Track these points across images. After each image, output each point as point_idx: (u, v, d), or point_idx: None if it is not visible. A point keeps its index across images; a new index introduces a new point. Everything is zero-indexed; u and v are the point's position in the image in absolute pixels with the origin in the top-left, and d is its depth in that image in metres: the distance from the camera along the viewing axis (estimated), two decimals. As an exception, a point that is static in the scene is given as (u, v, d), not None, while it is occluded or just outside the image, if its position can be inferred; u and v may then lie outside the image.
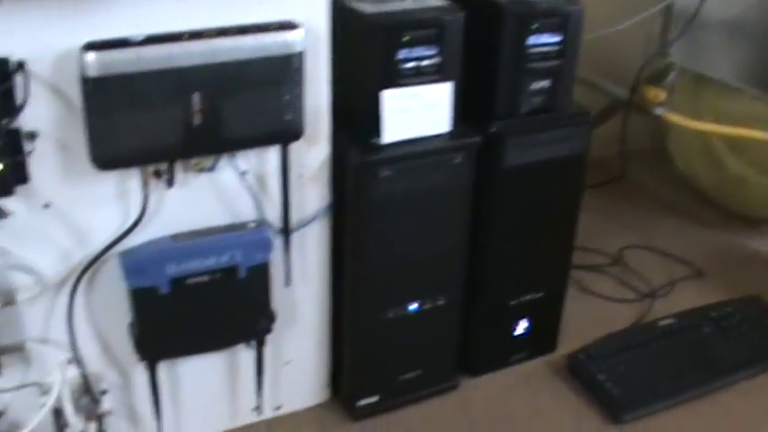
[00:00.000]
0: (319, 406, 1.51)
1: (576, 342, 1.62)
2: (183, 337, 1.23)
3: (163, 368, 1.29)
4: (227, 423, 1.42)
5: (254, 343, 1.33)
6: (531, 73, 1.32)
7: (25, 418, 1.23)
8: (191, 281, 1.17)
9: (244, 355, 1.37)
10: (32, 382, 1.23)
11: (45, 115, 1.08)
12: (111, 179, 1.17)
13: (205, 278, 1.18)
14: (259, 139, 1.17)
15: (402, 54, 1.20)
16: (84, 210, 1.17)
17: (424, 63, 1.22)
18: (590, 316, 1.70)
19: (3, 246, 1.09)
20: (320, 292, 1.38)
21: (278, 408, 1.43)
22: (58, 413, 1.20)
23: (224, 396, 1.39)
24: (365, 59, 1.22)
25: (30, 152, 1.06)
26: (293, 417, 1.47)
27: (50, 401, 1.18)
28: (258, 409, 1.39)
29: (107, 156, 1.11)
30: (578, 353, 1.56)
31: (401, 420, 1.48)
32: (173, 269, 1.16)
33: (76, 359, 1.21)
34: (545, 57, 1.32)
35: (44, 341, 1.21)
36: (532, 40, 1.31)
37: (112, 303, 1.22)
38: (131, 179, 1.17)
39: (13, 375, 1.21)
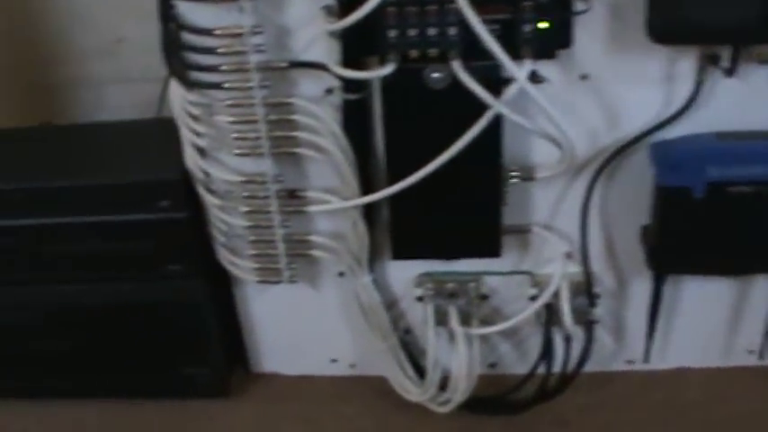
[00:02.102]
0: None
1: None
2: (704, 253, 1.23)
3: (667, 283, 1.27)
4: (717, 360, 1.42)
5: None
6: None
7: (508, 307, 1.33)
8: (731, 189, 1.16)
9: (758, 287, 1.34)
10: (525, 270, 1.29)
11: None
12: (660, 57, 1.15)
13: (747, 189, 1.15)
14: None
15: None
16: (623, 88, 1.17)
17: None
18: None
19: (532, 112, 1.12)
20: None
21: (775, 356, 1.37)
22: (549, 309, 1.24)
23: (721, 330, 1.39)
24: None
25: (581, 12, 1.05)
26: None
27: (546, 295, 1.23)
28: (757, 352, 1.34)
29: (667, 29, 1.08)
30: None
31: None
32: (713, 172, 1.16)
33: (583, 255, 1.23)
34: None
35: (548, 228, 1.23)
36: None
37: (627, 200, 1.24)
38: (683, 61, 1.15)
39: (506, 259, 1.27)
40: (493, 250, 1.23)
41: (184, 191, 1.20)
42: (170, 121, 1.27)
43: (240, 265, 1.25)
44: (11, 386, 1.46)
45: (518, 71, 1.06)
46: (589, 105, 1.17)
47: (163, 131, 1.30)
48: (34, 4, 1.74)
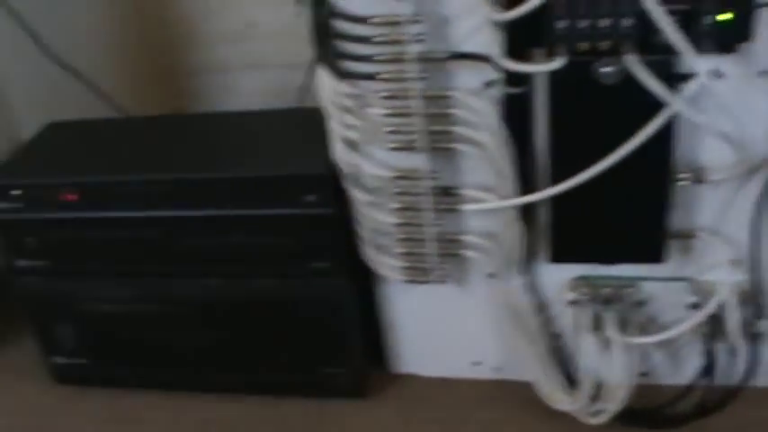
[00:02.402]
0: None
1: None
2: None
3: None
4: None
5: None
6: None
7: (665, 315, 1.28)
8: None
9: None
10: (686, 276, 1.25)
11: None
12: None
13: None
14: None
15: None
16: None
17: None
18: None
19: (705, 109, 1.07)
20: None
21: None
22: (711, 318, 1.21)
23: None
24: None
25: (766, 4, 1.00)
26: None
27: (712, 305, 1.20)
28: None
29: None
30: None
31: None
32: None
33: (753, 263, 1.19)
34: None
35: (714, 233, 1.19)
36: None
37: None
38: None
39: (666, 264, 1.22)
40: (656, 255, 1.18)
41: (332, 186, 1.16)
42: (314, 111, 1.24)
43: (386, 264, 1.21)
44: (149, 378, 1.47)
45: (700, 66, 1.00)
46: (764, 103, 1.10)
47: (307, 122, 1.26)
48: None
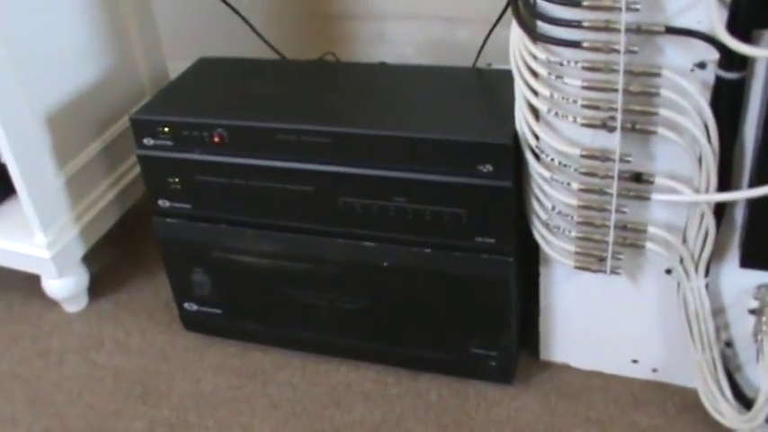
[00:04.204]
0: None
1: None
2: None
3: None
4: None
5: None
6: None
7: None
8: None
9: None
10: None
11: None
12: None
13: None
14: None
15: None
16: None
17: None
18: None
19: None
20: None
21: None
22: None
23: None
24: None
25: None
26: None
27: None
28: None
29: None
30: None
31: None
32: None
33: None
34: None
35: None
36: None
37: None
38: None
39: None
40: None
41: (513, 157, 1.05)
42: (492, 73, 1.19)
43: (558, 247, 1.12)
44: (283, 337, 1.42)
45: None
46: None
47: (483, 83, 1.18)
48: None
